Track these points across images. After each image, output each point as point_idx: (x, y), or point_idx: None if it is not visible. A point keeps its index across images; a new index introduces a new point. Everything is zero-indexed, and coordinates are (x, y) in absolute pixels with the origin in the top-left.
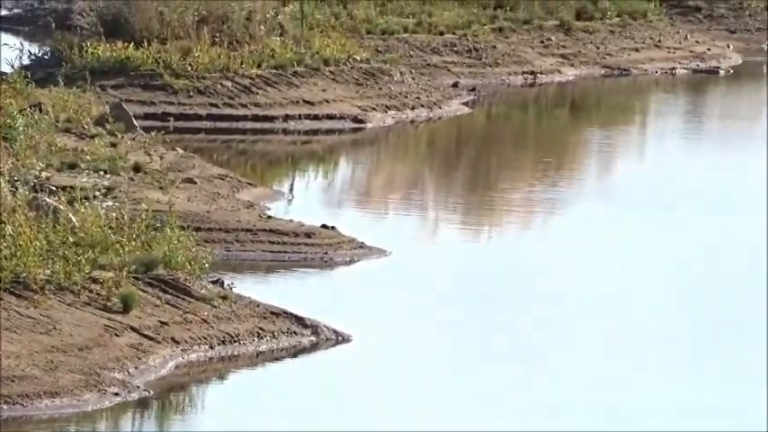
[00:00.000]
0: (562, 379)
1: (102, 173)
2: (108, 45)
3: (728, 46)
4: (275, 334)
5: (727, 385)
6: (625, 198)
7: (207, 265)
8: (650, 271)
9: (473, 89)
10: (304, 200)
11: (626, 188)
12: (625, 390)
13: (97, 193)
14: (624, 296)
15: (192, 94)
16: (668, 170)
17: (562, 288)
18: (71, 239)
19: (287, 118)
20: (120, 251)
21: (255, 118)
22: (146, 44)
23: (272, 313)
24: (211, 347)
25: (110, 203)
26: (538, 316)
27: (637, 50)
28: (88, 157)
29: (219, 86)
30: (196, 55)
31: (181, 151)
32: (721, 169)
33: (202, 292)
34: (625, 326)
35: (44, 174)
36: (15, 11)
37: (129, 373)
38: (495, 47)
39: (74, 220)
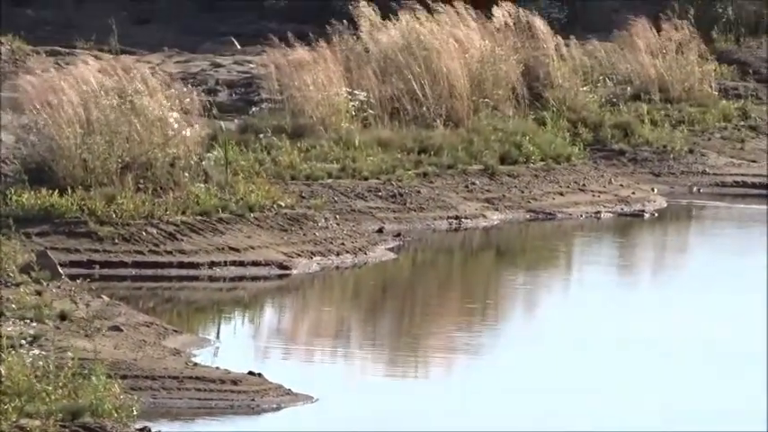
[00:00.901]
0: None
1: (27, 321)
2: (32, 192)
3: (653, 189)
4: None
5: None
6: (549, 343)
7: (134, 413)
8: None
9: (398, 234)
10: (230, 347)
11: (549, 333)
12: None
13: (23, 341)
14: None
15: (116, 241)
16: (592, 315)
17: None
18: None
19: (212, 265)
20: (47, 399)
21: (181, 265)
22: (70, 191)
23: None
24: None
25: (36, 352)
26: None
27: (561, 194)
28: (13, 306)
29: (145, 233)
30: (120, 202)
31: (107, 299)
32: (645, 314)
33: None
34: None
35: None
36: None
37: None
38: (419, 192)
39: None
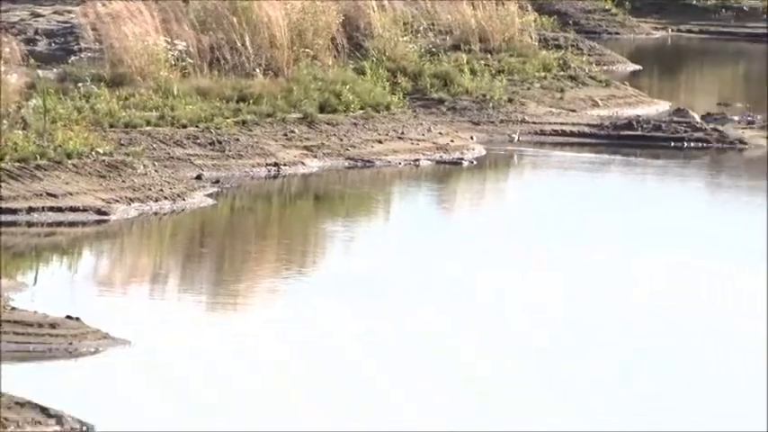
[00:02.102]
0: None
1: None
2: None
3: (472, 137)
4: (19, 423)
5: None
6: (366, 290)
7: None
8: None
9: (217, 181)
10: (48, 291)
11: (368, 280)
12: None
13: None
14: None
15: None
16: (410, 262)
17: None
18: None
19: (30, 210)
20: None
21: None
22: None
23: (16, 403)
24: None
25: None
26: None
27: (380, 142)
28: None
29: None
30: None
31: None
32: (465, 260)
33: None
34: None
35: None
36: None
37: None
38: (238, 139)
39: None
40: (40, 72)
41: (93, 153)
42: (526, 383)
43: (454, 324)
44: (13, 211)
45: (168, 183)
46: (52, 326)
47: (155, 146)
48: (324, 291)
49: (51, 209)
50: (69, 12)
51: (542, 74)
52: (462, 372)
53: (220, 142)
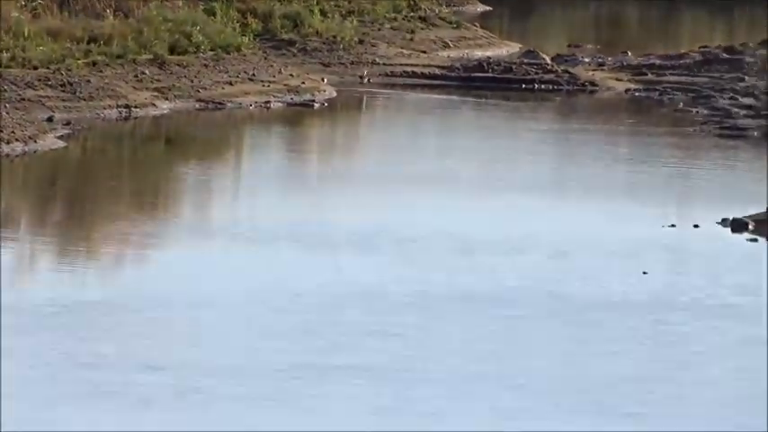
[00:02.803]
0: None
1: None
2: None
3: (323, 79)
4: None
5: None
6: (224, 232)
7: None
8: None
9: (68, 123)
10: None
11: (222, 224)
12: None
13: None
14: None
15: None
16: (260, 204)
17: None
18: None
19: None
20: None
21: None
22: None
23: None
24: None
25: None
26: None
27: (231, 84)
28: None
29: None
30: None
31: None
32: (317, 206)
33: None
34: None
35: None
36: None
37: None
38: (89, 81)
39: None
40: None
41: None
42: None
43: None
44: None
45: (20, 125)
46: None
47: (5, 87)
48: (176, 233)
49: None
50: None
51: (392, 15)
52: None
53: (71, 84)
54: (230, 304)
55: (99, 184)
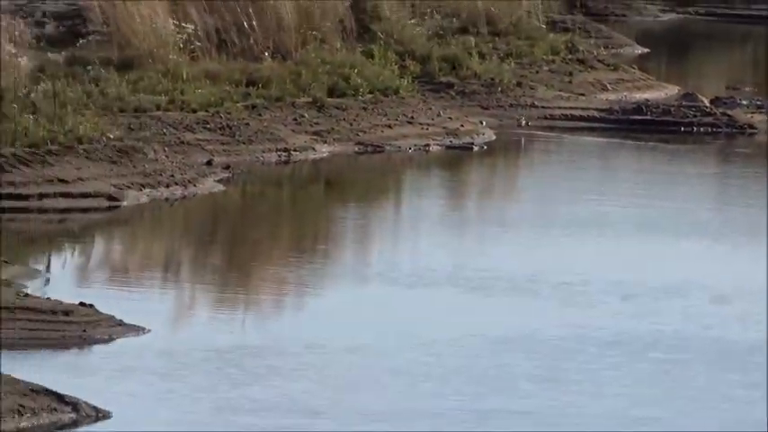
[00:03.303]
0: None
1: None
2: None
3: (481, 122)
4: (35, 411)
5: None
6: (383, 276)
7: None
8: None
9: (227, 167)
10: (61, 278)
11: (380, 267)
12: None
13: None
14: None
15: None
16: (423, 248)
17: (321, 364)
18: None
19: (42, 197)
20: None
21: (10, 196)
22: None
23: (32, 390)
24: None
25: None
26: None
27: (390, 127)
28: None
29: None
30: None
31: None
32: (475, 248)
33: None
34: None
35: None
36: None
37: None
38: (248, 124)
39: None
40: (49, 55)
41: (104, 138)
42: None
43: (465, 307)
44: (25, 197)
45: (179, 168)
46: (66, 313)
47: (165, 131)
48: (335, 277)
49: (62, 195)
50: None
51: (550, 57)
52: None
53: (230, 127)
54: (387, 348)
55: (258, 228)
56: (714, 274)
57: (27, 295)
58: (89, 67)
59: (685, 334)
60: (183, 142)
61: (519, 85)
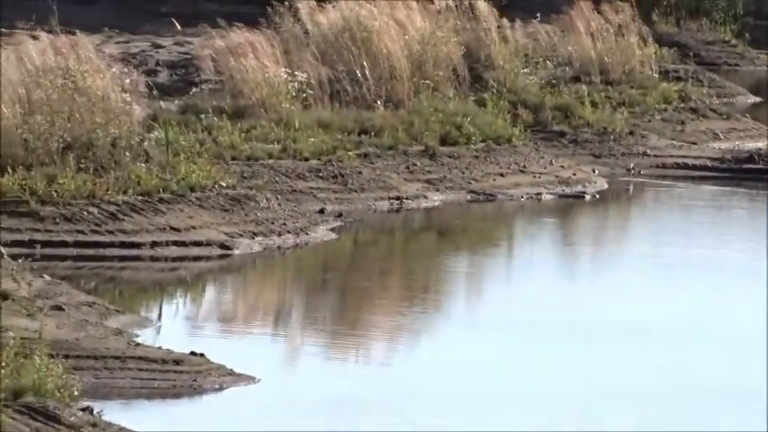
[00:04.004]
0: None
1: None
2: None
3: (593, 171)
4: None
5: None
6: (491, 325)
7: (76, 393)
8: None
9: (339, 215)
10: (172, 327)
11: (492, 316)
12: None
13: None
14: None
15: (58, 221)
16: (534, 298)
17: (427, 415)
18: None
19: (154, 245)
20: None
21: (123, 245)
22: (10, 171)
23: None
24: None
25: None
26: None
27: (502, 176)
28: None
29: (86, 213)
30: (62, 182)
31: (48, 278)
32: (587, 299)
33: (72, 419)
34: None
35: None
36: None
37: None
38: (360, 172)
39: None
40: (161, 104)
41: (216, 186)
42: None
43: (579, 359)
44: (137, 246)
45: (291, 217)
46: (176, 362)
47: (277, 179)
48: (448, 326)
49: (175, 243)
50: (189, 42)
51: (663, 106)
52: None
53: (343, 175)
54: (502, 402)
55: (369, 277)
56: None
57: (138, 344)
58: (202, 116)
59: None
60: (295, 190)
61: (631, 133)
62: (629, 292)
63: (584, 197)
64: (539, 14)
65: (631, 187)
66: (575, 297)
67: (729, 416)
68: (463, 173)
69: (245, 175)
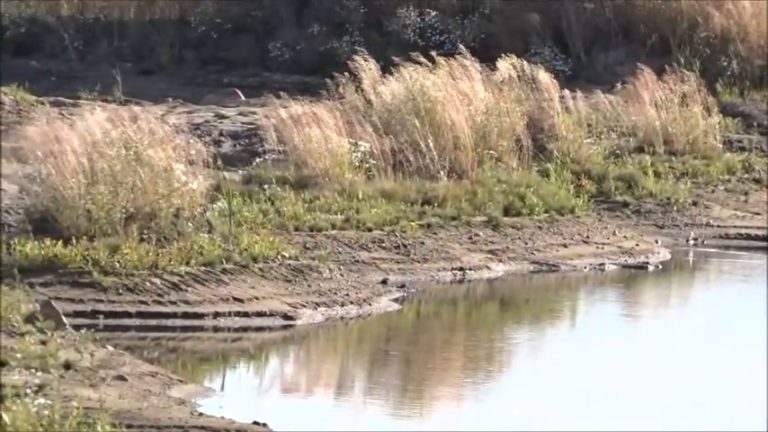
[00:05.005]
0: None
1: (32, 370)
2: (36, 242)
3: (656, 241)
4: None
5: None
6: (555, 395)
7: None
8: None
9: (402, 286)
10: (235, 397)
11: (555, 386)
12: None
13: (28, 390)
14: None
15: (121, 291)
16: (597, 368)
17: None
18: None
19: (217, 315)
20: None
21: (185, 315)
22: (74, 241)
23: None
24: None
25: (41, 401)
26: None
27: (565, 246)
28: (18, 355)
29: (149, 284)
30: (124, 252)
31: (111, 349)
32: (650, 369)
33: None
34: None
35: None
36: None
37: None
38: (423, 243)
39: (5, 417)
40: (225, 174)
41: (279, 257)
42: None
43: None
44: (200, 316)
45: (354, 287)
46: None
47: (340, 249)
48: (512, 399)
49: (237, 313)
50: (253, 113)
51: (726, 177)
52: None
53: (405, 246)
54: None
55: (432, 348)
56: None
57: (201, 414)
58: (265, 186)
59: None
60: (358, 261)
61: (695, 204)
62: (689, 366)
63: (647, 268)
64: (617, 85)
65: (696, 258)
66: (636, 369)
67: None
68: (526, 243)
69: (307, 245)
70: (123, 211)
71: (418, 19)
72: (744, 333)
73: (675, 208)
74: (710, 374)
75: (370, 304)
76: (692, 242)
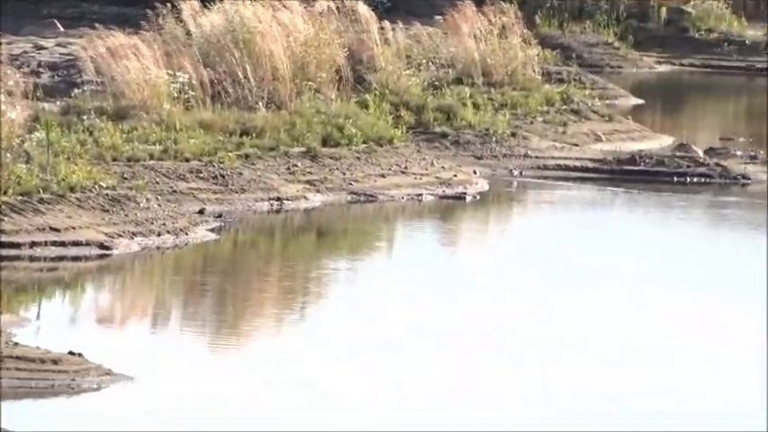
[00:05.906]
0: None
1: None
2: None
3: (475, 172)
4: None
5: None
6: (368, 324)
7: None
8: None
9: (219, 216)
10: (51, 327)
11: (368, 320)
12: None
13: None
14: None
15: None
16: (412, 297)
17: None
18: None
19: (33, 245)
20: None
21: (1, 245)
22: None
23: None
24: None
25: None
26: None
27: (383, 176)
28: None
29: None
30: None
31: None
32: (463, 300)
33: None
34: None
35: None
36: None
37: None
38: (241, 173)
39: None
40: (44, 105)
41: (97, 187)
42: None
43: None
44: (16, 246)
45: (171, 217)
46: (54, 362)
47: (158, 180)
48: (324, 330)
49: (54, 243)
50: (72, 44)
51: (545, 108)
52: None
53: (223, 176)
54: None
55: (250, 278)
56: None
57: (16, 344)
58: (83, 117)
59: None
60: (175, 191)
61: (513, 135)
62: (507, 297)
63: (465, 198)
64: (437, 17)
65: (513, 189)
66: (453, 301)
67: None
68: (344, 174)
69: (125, 176)
70: None
71: None
72: (558, 261)
73: (494, 139)
74: (528, 300)
75: (186, 234)
76: (511, 173)
